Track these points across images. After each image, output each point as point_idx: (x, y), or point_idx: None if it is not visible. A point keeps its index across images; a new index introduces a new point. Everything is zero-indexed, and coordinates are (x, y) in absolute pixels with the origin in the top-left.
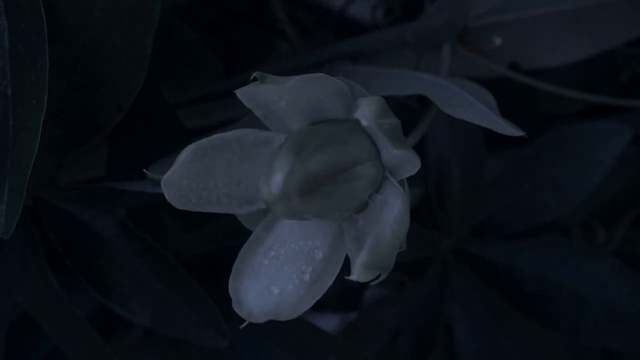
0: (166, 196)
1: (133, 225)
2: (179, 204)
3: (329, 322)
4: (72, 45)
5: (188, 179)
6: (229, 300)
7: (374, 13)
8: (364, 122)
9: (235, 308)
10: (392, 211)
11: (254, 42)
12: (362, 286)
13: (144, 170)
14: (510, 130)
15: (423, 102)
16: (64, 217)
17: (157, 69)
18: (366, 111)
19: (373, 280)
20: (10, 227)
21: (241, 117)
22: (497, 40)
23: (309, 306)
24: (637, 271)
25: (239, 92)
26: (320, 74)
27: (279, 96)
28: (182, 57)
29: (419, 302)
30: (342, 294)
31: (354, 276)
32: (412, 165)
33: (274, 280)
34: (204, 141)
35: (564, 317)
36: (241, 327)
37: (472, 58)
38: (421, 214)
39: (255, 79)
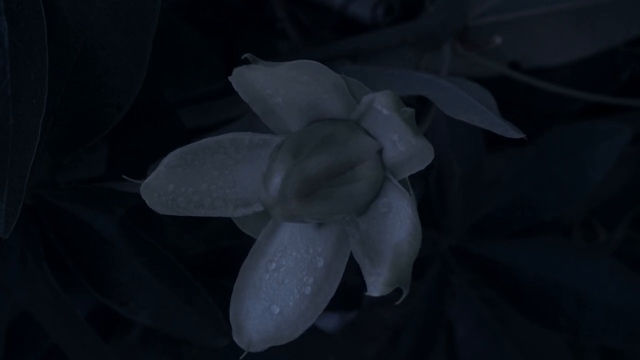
0: (147, 202)
1: (133, 224)
2: (163, 209)
3: (329, 322)
4: (72, 45)
5: (175, 183)
6: (230, 298)
7: (374, 12)
8: (385, 111)
9: (235, 337)
10: (399, 216)
11: (254, 42)
12: (362, 285)
13: (132, 174)
14: (511, 132)
15: (423, 102)
16: (64, 216)
17: (157, 69)
18: (383, 102)
19: (398, 298)
20: (10, 227)
21: (241, 116)
22: (497, 39)
23: (311, 323)
24: (636, 271)
25: (233, 76)
26: (314, 61)
27: (275, 90)
28: (182, 57)
29: (420, 301)
30: (342, 293)
31: (375, 293)
32: (424, 157)
33: (275, 297)
34: (192, 145)
35: (563, 316)
36: (240, 358)
37: (472, 57)
38: (421, 213)
39: (247, 60)
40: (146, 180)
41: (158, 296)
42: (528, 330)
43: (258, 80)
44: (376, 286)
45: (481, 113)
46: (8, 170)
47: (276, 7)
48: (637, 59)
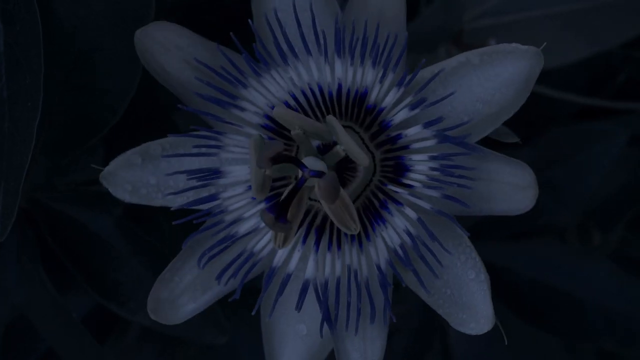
0: (112, 191)
1: (131, 224)
2: (131, 197)
3: None
4: (68, 48)
5: (156, 175)
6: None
7: None
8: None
9: None
10: (469, 265)
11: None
12: None
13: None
14: (506, 137)
15: None
16: (62, 218)
17: None
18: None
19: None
20: (6, 229)
21: None
22: (493, 42)
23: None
24: (632, 273)
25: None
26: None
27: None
28: None
29: (415, 303)
30: None
31: (474, 332)
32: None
33: (303, 312)
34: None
35: (559, 319)
36: None
37: None
38: None
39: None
40: (107, 168)
41: None
42: (526, 333)
43: None
44: (481, 328)
45: None
46: (4, 172)
47: None
48: (633, 61)
